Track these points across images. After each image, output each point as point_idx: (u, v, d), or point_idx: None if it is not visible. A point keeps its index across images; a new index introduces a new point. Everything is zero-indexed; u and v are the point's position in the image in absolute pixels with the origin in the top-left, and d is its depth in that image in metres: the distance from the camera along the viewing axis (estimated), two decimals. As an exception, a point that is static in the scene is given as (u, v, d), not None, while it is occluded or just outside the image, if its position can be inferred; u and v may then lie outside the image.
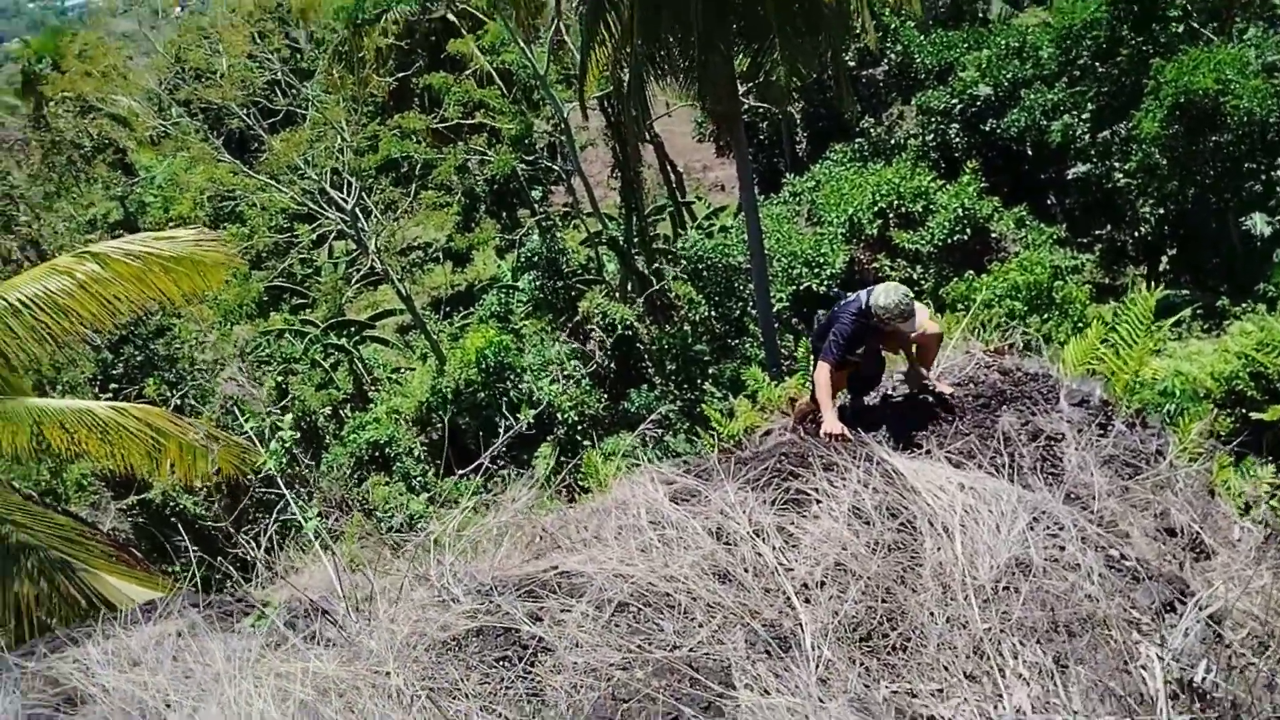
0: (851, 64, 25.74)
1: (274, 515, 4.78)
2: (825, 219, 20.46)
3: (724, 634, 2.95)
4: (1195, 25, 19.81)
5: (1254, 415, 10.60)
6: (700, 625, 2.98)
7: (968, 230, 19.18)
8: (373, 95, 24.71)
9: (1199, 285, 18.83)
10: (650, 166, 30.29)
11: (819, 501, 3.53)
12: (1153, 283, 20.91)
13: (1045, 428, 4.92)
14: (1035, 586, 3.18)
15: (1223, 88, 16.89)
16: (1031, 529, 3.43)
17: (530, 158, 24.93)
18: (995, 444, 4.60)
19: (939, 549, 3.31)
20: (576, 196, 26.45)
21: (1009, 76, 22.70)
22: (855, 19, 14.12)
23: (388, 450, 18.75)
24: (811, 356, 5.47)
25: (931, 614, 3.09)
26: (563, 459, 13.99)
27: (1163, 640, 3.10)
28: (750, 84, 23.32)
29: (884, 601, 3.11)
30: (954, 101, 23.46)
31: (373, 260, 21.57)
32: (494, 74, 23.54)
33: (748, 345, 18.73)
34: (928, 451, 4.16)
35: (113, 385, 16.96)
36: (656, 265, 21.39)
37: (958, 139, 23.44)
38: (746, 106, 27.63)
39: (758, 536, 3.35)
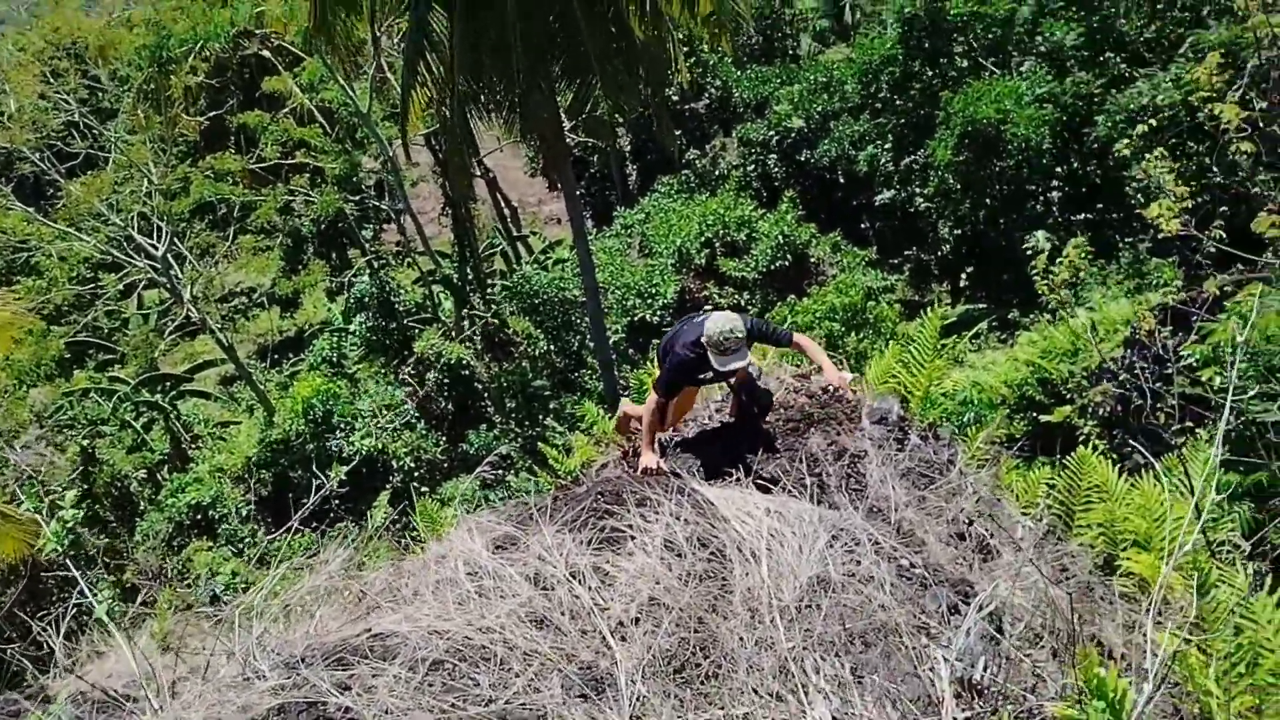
0: (675, 98, 26.66)
1: (71, 599, 4.43)
2: (656, 250, 20.99)
3: (540, 681, 2.97)
4: (979, 60, 21.72)
5: (1042, 418, 11.59)
6: (517, 675, 2.99)
7: (789, 256, 20.15)
8: (183, 135, 23.42)
9: (994, 299, 20.48)
10: (484, 202, 30.14)
11: (633, 538, 3.62)
12: (954, 299, 22.53)
13: (850, 446, 5.24)
14: (834, 602, 3.37)
15: (1002, 117, 18.57)
16: (831, 547, 3.64)
17: (357, 196, 24.28)
18: (803, 466, 4.86)
19: (747, 574, 3.45)
20: (408, 235, 25.97)
21: (819, 109, 24.11)
22: (673, 57, 14.66)
23: (211, 512, 17.63)
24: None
25: (741, 639, 3.22)
26: (404, 506, 13.58)
27: (948, 642, 3.35)
28: (576, 120, 23.71)
29: (696, 631, 3.22)
30: (771, 133, 24.69)
31: (188, 309, 20.34)
32: (315, 111, 22.83)
33: (587, 378, 18.89)
34: (737, 479, 4.33)
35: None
36: (493, 302, 21.27)
37: (776, 169, 24.65)
38: (575, 141, 28.07)
39: (574, 578, 3.40)
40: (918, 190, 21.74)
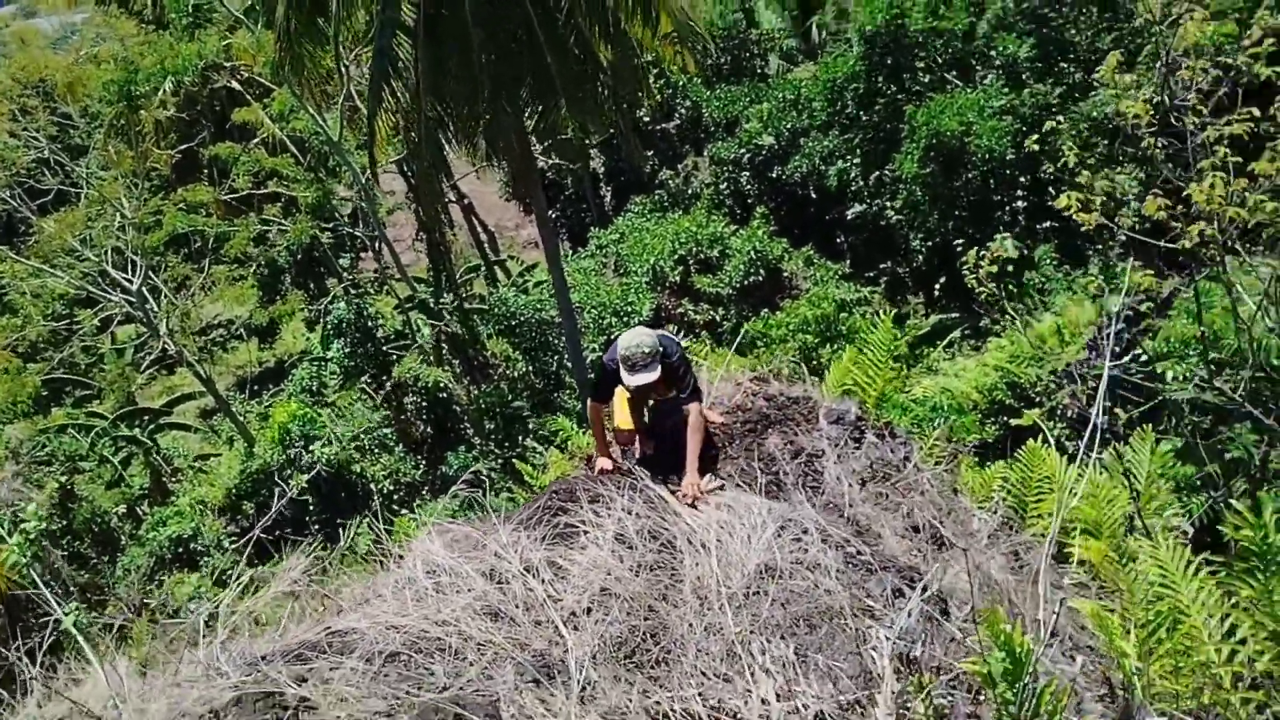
0: (645, 119, 26.97)
1: (50, 622, 4.48)
2: (630, 269, 21.17)
3: (494, 669, 3.06)
4: (943, 74, 22.15)
5: (1013, 422, 11.80)
6: (471, 664, 3.09)
7: (762, 271, 20.37)
8: (154, 169, 23.47)
9: (967, 309, 20.77)
10: (461, 228, 30.30)
11: (586, 533, 3.73)
12: (929, 309, 22.77)
13: (807, 446, 5.38)
14: (781, 588, 3.49)
15: (966, 129, 18.94)
16: (779, 536, 3.76)
17: (331, 224, 24.37)
18: (761, 464, 4.99)
19: (697, 564, 3.57)
20: (384, 262, 26.06)
21: (788, 126, 24.44)
22: (637, 78, 14.89)
23: (193, 545, 17.55)
24: None
25: (690, 625, 3.33)
26: (384, 528, 13.55)
27: (891, 623, 3.48)
28: (546, 142, 23.94)
29: (646, 619, 3.33)
30: (742, 151, 24.99)
31: (165, 343, 20.32)
32: (286, 141, 22.95)
33: (566, 398, 18.98)
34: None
35: None
36: (471, 325, 21.35)
37: (748, 186, 24.93)
38: (548, 164, 28.30)
39: (528, 573, 3.50)
40: (888, 204, 22.07)
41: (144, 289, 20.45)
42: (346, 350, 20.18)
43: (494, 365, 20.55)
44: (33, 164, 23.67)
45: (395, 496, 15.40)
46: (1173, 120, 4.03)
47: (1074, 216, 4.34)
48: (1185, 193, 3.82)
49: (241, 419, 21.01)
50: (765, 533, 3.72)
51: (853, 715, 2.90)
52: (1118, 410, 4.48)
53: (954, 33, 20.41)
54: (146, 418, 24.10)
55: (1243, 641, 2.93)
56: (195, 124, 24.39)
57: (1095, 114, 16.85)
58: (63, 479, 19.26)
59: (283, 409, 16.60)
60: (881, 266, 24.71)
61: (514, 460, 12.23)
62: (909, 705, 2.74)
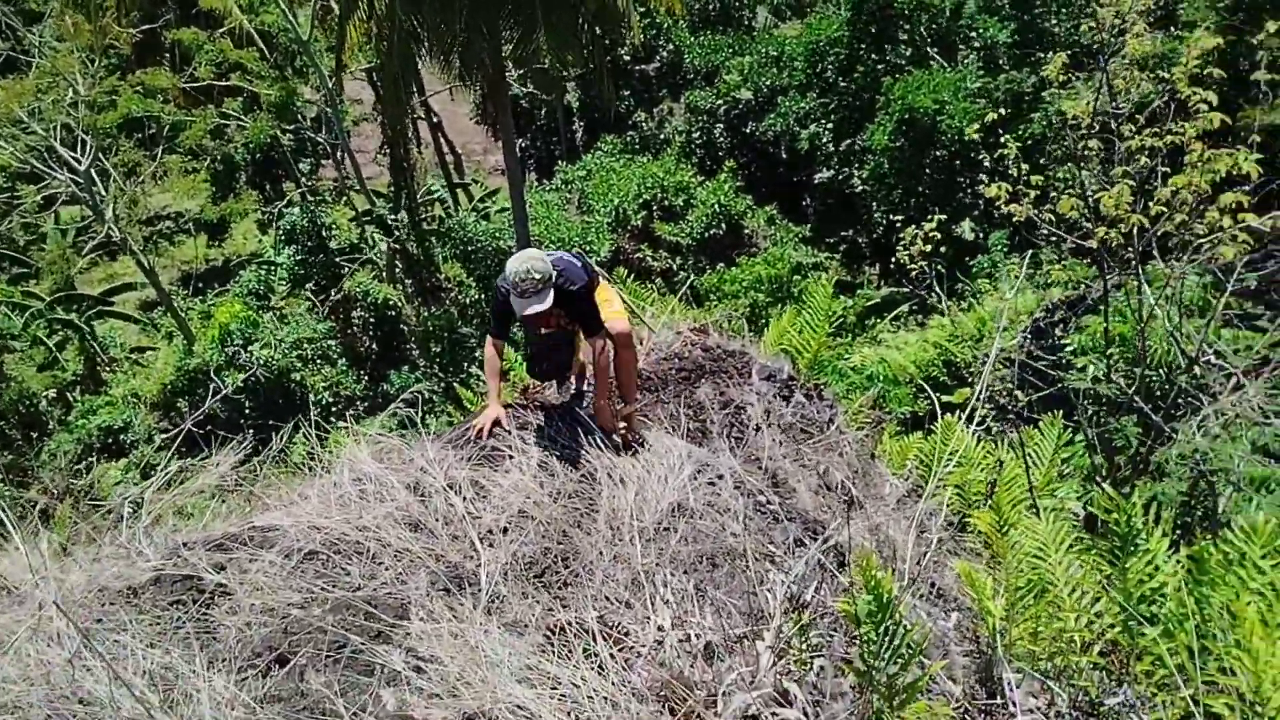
0: (626, 58, 26.62)
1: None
2: (594, 208, 21.10)
3: (408, 575, 3.21)
4: (927, 50, 22.19)
5: (944, 398, 12.19)
6: (387, 568, 3.23)
7: (723, 225, 20.48)
8: (113, 47, 22.55)
9: (920, 284, 21.13)
10: (427, 145, 29.75)
11: (511, 457, 3.88)
12: (883, 281, 23.07)
13: (736, 398, 5.57)
14: (690, 527, 3.68)
15: (939, 108, 19.09)
16: (694, 479, 3.95)
17: (293, 127, 23.76)
18: (689, 412, 5.17)
19: (614, 497, 3.74)
20: (344, 172, 25.55)
21: (768, 83, 24.35)
22: (622, 15, 14.71)
23: (123, 436, 17.38)
24: None
25: (600, 553, 3.51)
26: (318, 436, 13.57)
27: (789, 570, 3.70)
28: (523, 70, 23.52)
29: (560, 543, 3.50)
30: (719, 102, 24.86)
31: (109, 228, 19.78)
32: (254, 34, 22.22)
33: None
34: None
35: None
36: (427, 246, 21.14)
37: (721, 138, 24.87)
38: (524, 92, 27.83)
39: (451, 489, 3.64)
40: (855, 172, 22.22)
41: (92, 170, 19.80)
42: (298, 257, 19.87)
43: (446, 289, 20.43)
44: (-19, 26, 22.58)
45: (334, 409, 15.38)
46: (1111, 126, 4.21)
47: (1003, 207, 4.53)
48: (1095, 196, 4.02)
49: (183, 315, 20.65)
50: (682, 474, 3.90)
51: (739, 647, 3.12)
52: (1018, 394, 4.73)
53: (940, 9, 20.42)
54: (85, 303, 23.55)
55: (1100, 615, 3.21)
56: (160, 3, 23.43)
57: (1065, 108, 17.14)
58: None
59: (226, 308, 16.39)
60: (842, 234, 24.95)
61: (455, 385, 12.31)
62: (790, 642, 2.96)
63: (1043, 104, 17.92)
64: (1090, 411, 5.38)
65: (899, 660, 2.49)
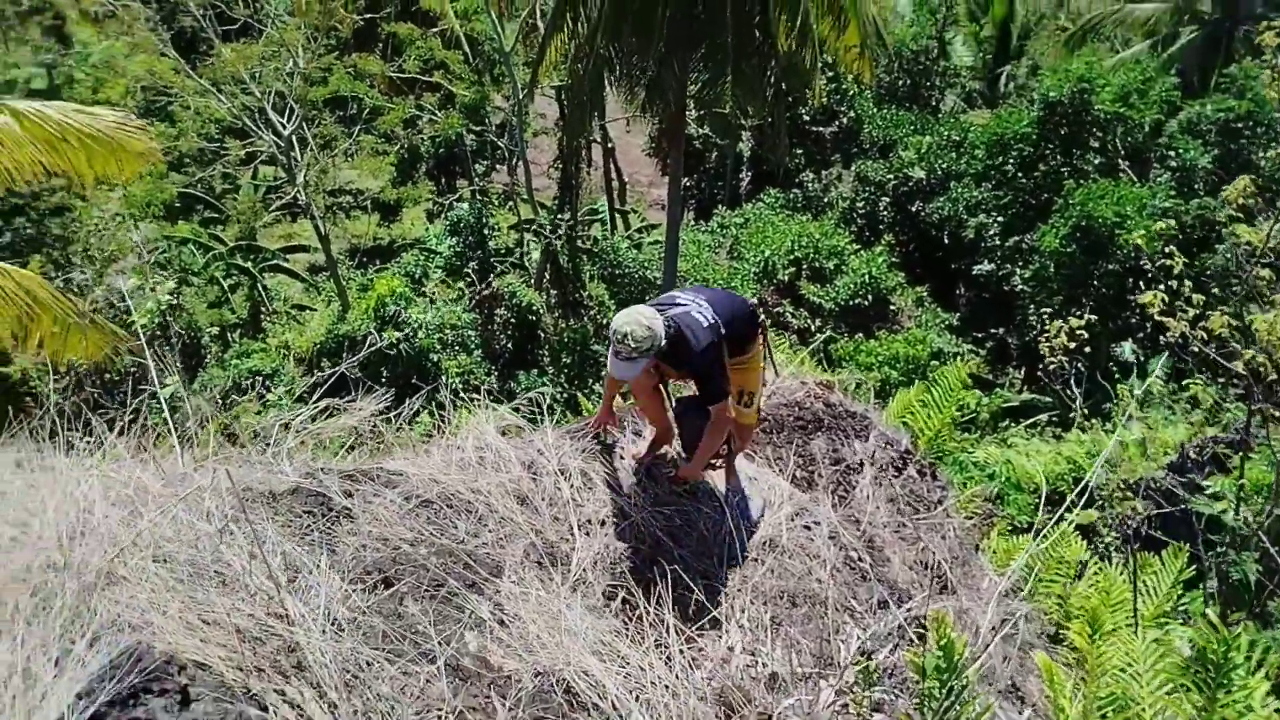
0: (805, 117, 26.85)
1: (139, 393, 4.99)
2: (744, 255, 21.30)
3: (507, 542, 3.42)
4: (1118, 161, 21.44)
5: (1067, 515, 11.65)
6: (490, 530, 3.46)
7: (870, 296, 20.26)
8: (336, 29, 24.51)
9: (1056, 378, 20.27)
10: (597, 168, 30.80)
11: (623, 458, 4.06)
12: (1026, 386, 22.14)
13: (848, 457, 5.58)
14: (778, 563, 3.75)
15: (1120, 220, 18.39)
16: (791, 521, 4.01)
17: (479, 128, 25.12)
18: (799, 460, 5.23)
19: (711, 518, 3.86)
20: (516, 180, 26.74)
21: (943, 166, 24.04)
22: (809, 76, 14.95)
23: (268, 384, 18.63)
24: None
25: (688, 565, 3.63)
26: (450, 407, 14.23)
27: (867, 626, 3.72)
28: (702, 111, 24.07)
29: (650, 547, 3.64)
30: (889, 176, 24.71)
31: (298, 192, 21.39)
32: (462, 38, 23.71)
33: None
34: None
35: (-6, 253, 16.45)
36: (578, 262, 21.87)
37: (885, 212, 24.68)
38: (699, 133, 28.45)
39: (562, 475, 3.85)
40: (1018, 270, 21.60)
41: (294, 137, 21.49)
42: (457, 250, 20.92)
43: (587, 306, 21.03)
44: (230, -8, 24.85)
45: (461, 395, 16.04)
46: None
47: (1155, 315, 4.41)
48: (1250, 319, 3.87)
49: (344, 283, 22.04)
50: (780, 512, 3.98)
51: (803, 685, 3.17)
52: (1141, 511, 4.56)
53: (1139, 123, 19.73)
54: (261, 256, 25.48)
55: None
56: (385, -2, 25.33)
57: (1253, 241, 16.21)
58: (172, 286, 20.58)
59: (384, 282, 17.42)
60: (991, 330, 24.22)
61: (579, 395, 12.66)
62: (854, 689, 2.99)
63: (1233, 234, 17.03)
64: (1214, 541, 5.11)
65: (959, 724, 2.50)
